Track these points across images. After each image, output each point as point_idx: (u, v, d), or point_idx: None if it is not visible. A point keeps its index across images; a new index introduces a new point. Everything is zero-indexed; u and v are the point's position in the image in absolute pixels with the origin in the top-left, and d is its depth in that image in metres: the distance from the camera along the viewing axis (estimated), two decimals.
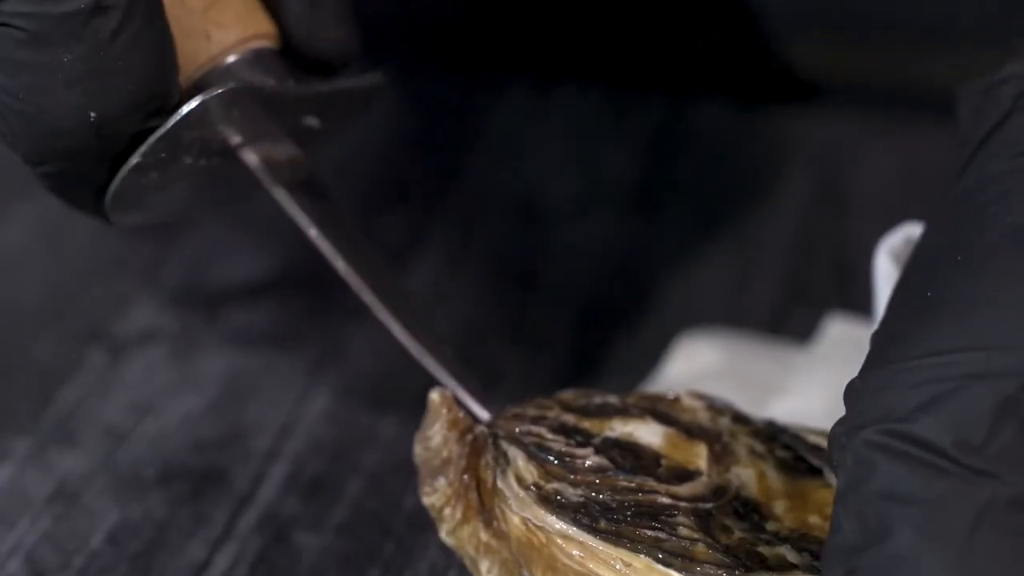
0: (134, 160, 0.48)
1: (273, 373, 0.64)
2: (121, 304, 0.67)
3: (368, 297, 0.51)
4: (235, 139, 0.50)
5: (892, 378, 0.42)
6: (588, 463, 0.48)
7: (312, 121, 0.52)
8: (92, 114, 0.46)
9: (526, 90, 0.81)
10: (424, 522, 0.52)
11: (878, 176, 0.75)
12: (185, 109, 0.48)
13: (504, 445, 0.49)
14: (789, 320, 0.67)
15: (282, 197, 0.51)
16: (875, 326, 0.45)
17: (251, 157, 0.51)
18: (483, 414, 0.50)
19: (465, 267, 0.70)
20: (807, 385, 0.60)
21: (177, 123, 0.48)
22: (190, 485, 0.58)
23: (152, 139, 0.48)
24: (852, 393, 0.43)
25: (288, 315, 0.67)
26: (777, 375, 0.62)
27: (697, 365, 0.62)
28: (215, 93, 0.49)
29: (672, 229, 0.73)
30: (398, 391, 0.62)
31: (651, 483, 0.48)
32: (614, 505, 0.47)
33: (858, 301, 0.65)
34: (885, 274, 0.52)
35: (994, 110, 0.47)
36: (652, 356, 0.64)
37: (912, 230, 0.52)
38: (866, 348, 0.44)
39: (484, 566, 0.49)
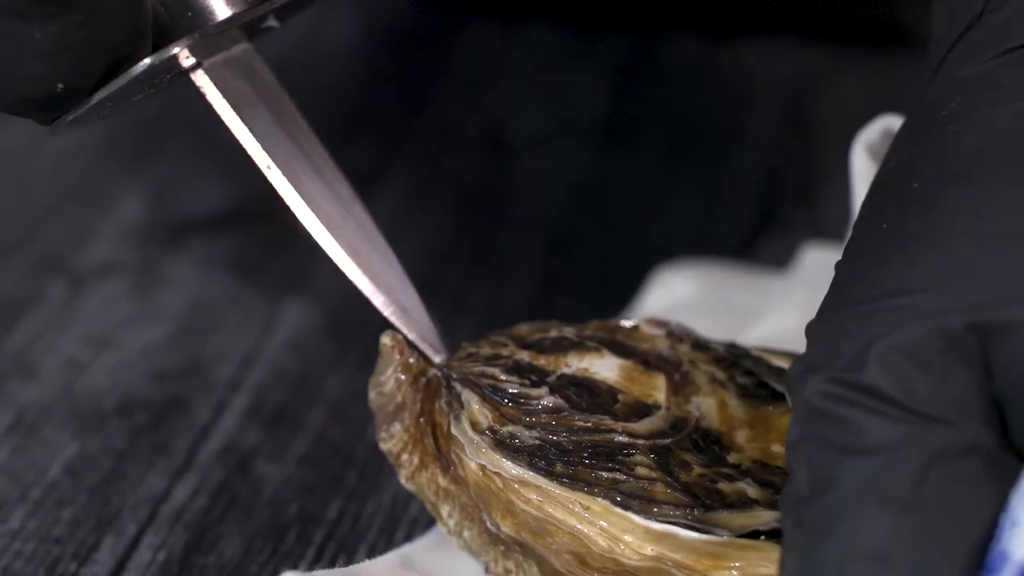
0: (93, 101, 0.47)
1: (236, 304, 0.63)
2: (81, 236, 0.66)
3: (318, 233, 0.50)
4: (189, 62, 0.49)
5: (843, 322, 0.41)
6: (543, 404, 0.48)
7: (272, 22, 0.51)
8: (59, 84, 0.45)
9: (495, 23, 0.80)
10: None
11: (847, 105, 0.75)
12: (155, 60, 0.47)
13: (458, 388, 0.48)
14: (760, 250, 0.67)
15: (229, 117, 0.49)
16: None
17: (202, 78, 0.49)
18: (436, 356, 0.49)
19: (432, 197, 0.70)
20: (784, 308, 0.59)
21: (143, 72, 0.47)
22: (150, 416, 0.58)
23: (114, 86, 0.47)
24: (810, 333, 0.42)
25: (251, 246, 0.66)
26: (754, 302, 0.61)
27: (674, 296, 0.62)
28: (185, 43, 0.47)
29: (641, 161, 0.72)
30: (362, 321, 0.61)
31: (608, 421, 0.47)
32: (570, 447, 0.46)
33: (830, 229, 0.65)
34: (861, 172, 0.50)
35: (968, 11, 0.45)
36: (622, 286, 0.63)
37: (890, 122, 0.50)
38: None
39: (444, 511, 0.49)
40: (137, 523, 0.53)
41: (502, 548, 0.47)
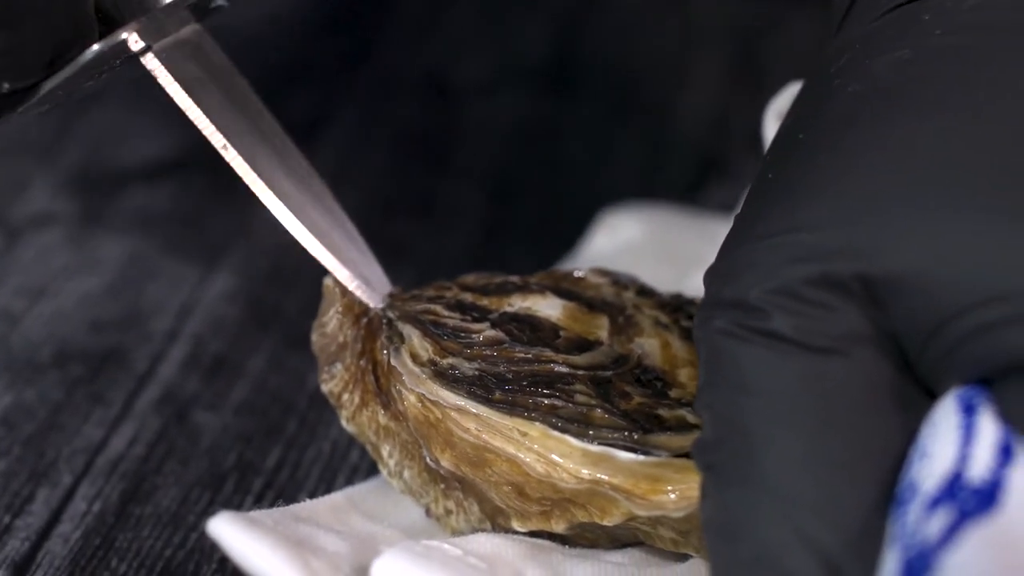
0: (42, 92, 0.47)
1: (174, 254, 0.62)
2: (16, 187, 0.65)
3: (280, 214, 0.49)
4: (139, 46, 0.48)
5: (731, 266, 0.41)
6: (484, 336, 0.47)
7: (221, 1, 0.50)
8: (5, 85, 0.45)
9: None
10: (327, 400, 0.51)
11: (794, 50, 0.74)
12: (103, 47, 0.46)
13: (399, 325, 0.48)
14: (706, 195, 0.66)
15: (181, 98, 0.49)
16: None
17: (152, 62, 0.49)
18: (377, 299, 0.49)
19: (374, 143, 0.69)
20: None
21: (92, 59, 0.47)
22: (87, 366, 0.57)
23: (62, 75, 0.46)
24: (707, 277, 0.42)
25: (189, 196, 0.65)
26: (700, 246, 0.60)
27: (620, 239, 0.61)
28: (133, 28, 0.47)
29: (585, 106, 0.72)
30: (301, 269, 0.60)
31: (548, 353, 0.47)
32: (510, 376, 0.46)
33: None
34: (771, 138, 0.51)
35: None
36: (567, 232, 0.63)
37: (798, 89, 0.51)
38: None
39: (385, 450, 0.48)
40: (73, 474, 0.53)
41: (442, 486, 0.47)
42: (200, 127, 0.49)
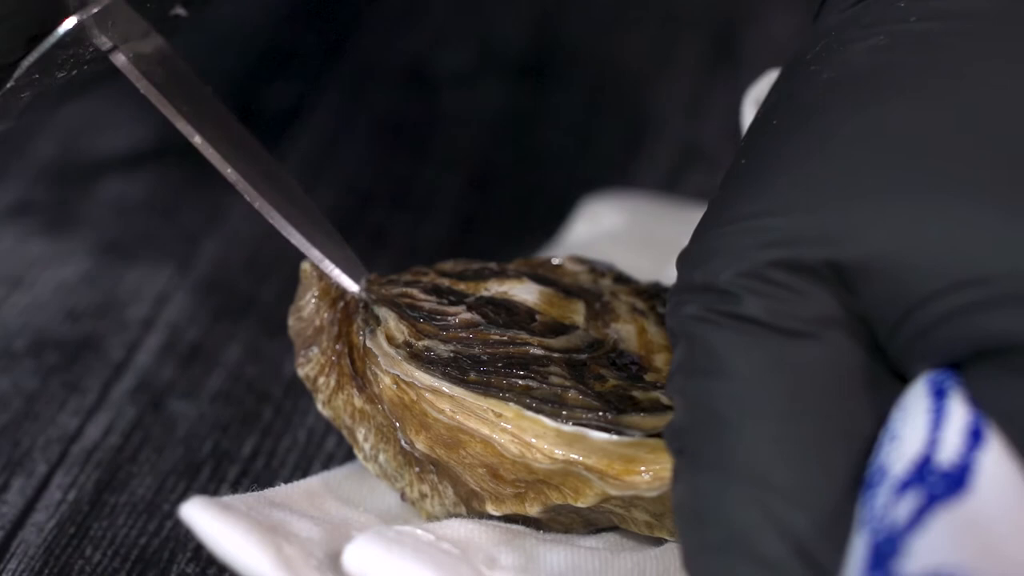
0: (20, 70, 0.47)
1: (150, 243, 0.62)
2: None
3: (234, 179, 0.49)
4: (106, 45, 0.49)
5: (702, 251, 0.41)
6: (459, 319, 0.47)
7: (179, 10, 0.51)
8: None
9: None
10: (303, 388, 0.51)
11: (775, 38, 0.74)
12: (61, 30, 0.47)
13: (375, 308, 0.48)
14: (685, 183, 0.66)
15: (153, 95, 0.49)
16: None
17: (121, 59, 0.49)
18: (353, 284, 0.49)
19: (354, 132, 0.69)
20: None
21: (53, 45, 0.47)
22: (62, 355, 0.57)
23: (26, 64, 0.47)
24: (679, 261, 0.42)
25: (166, 186, 0.65)
26: (679, 234, 0.60)
27: (600, 227, 0.61)
28: (92, 12, 0.47)
29: (565, 95, 0.72)
30: (277, 258, 0.60)
31: (524, 336, 0.47)
32: (485, 358, 0.46)
33: None
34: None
35: None
36: (545, 222, 0.63)
37: (776, 76, 0.51)
38: None
39: (360, 433, 0.48)
40: (48, 463, 0.53)
41: (417, 470, 0.47)
42: (170, 119, 0.49)
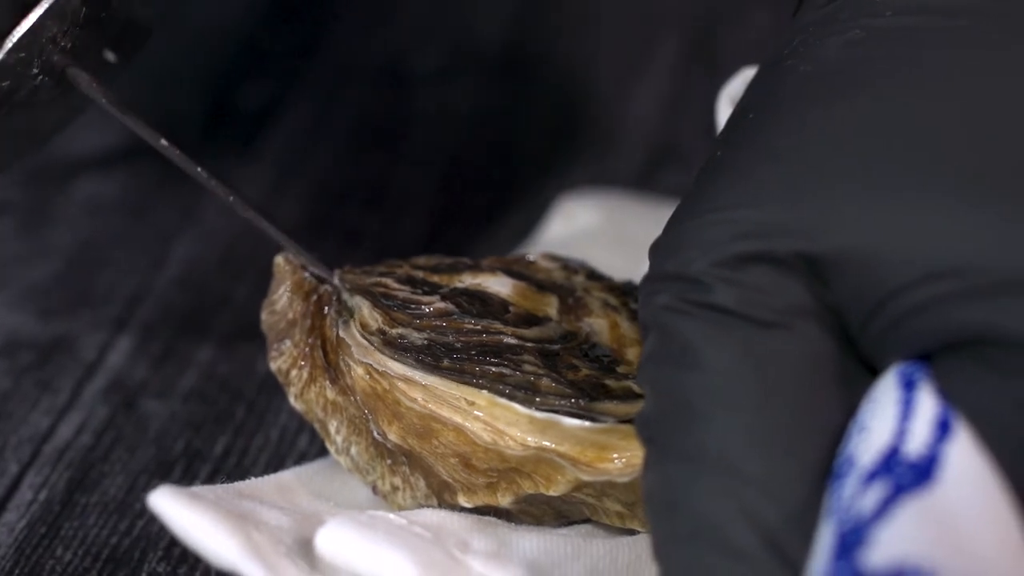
0: None
1: (124, 242, 0.62)
2: None
3: (203, 179, 0.49)
4: (63, 61, 0.48)
5: (673, 242, 0.41)
6: (433, 308, 0.47)
7: (108, 55, 0.51)
8: None
9: None
10: (276, 387, 0.51)
11: (753, 37, 0.74)
12: (23, 27, 0.47)
13: (349, 297, 0.48)
14: (661, 181, 0.66)
15: (115, 112, 0.49)
16: None
17: (80, 76, 0.49)
18: (328, 273, 0.49)
19: (328, 130, 0.69)
20: None
21: (12, 47, 0.47)
22: (35, 354, 0.57)
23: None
24: (651, 251, 0.42)
25: (139, 185, 0.65)
26: (655, 232, 0.60)
27: (575, 226, 0.61)
28: (46, 5, 0.47)
29: (539, 93, 0.72)
30: (250, 257, 0.60)
31: (497, 325, 0.47)
32: (459, 346, 0.46)
33: None
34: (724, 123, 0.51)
35: None
36: (520, 221, 0.63)
37: (752, 73, 0.51)
38: None
39: (332, 426, 0.48)
40: (19, 462, 0.52)
41: (389, 462, 0.47)
42: (132, 127, 0.49)
